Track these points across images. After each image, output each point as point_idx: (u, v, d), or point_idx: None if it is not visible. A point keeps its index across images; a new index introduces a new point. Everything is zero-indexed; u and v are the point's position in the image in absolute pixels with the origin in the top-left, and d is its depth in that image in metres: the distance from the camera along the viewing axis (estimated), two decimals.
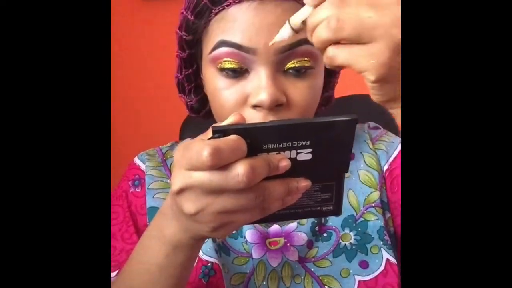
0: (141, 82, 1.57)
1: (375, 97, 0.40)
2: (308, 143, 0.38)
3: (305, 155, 0.39)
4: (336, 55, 0.37)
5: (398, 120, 0.42)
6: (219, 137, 0.37)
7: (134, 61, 1.55)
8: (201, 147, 0.35)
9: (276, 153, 0.39)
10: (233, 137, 0.37)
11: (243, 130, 0.37)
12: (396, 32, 0.35)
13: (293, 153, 0.39)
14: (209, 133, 0.38)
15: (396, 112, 0.41)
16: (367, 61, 0.36)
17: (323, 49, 0.38)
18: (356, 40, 0.36)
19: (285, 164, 0.38)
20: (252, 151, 0.37)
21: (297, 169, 0.39)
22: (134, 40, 1.54)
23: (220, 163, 0.35)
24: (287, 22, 0.42)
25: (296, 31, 0.42)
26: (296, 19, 0.42)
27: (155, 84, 1.52)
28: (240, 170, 0.36)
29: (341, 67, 0.38)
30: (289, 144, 0.38)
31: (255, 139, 0.37)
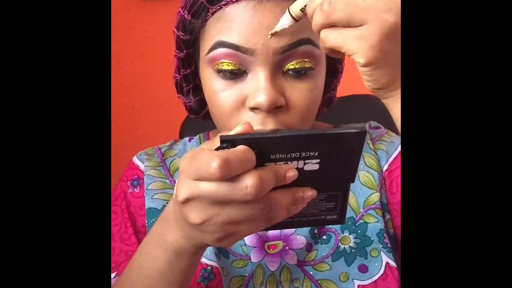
0: (141, 82, 1.56)
1: (366, 84, 0.41)
2: (316, 154, 0.38)
3: (312, 165, 0.39)
4: (327, 37, 0.39)
5: (391, 111, 0.42)
6: (227, 147, 0.36)
7: (134, 61, 1.55)
8: (210, 158, 0.35)
9: (284, 163, 0.38)
10: (242, 148, 0.36)
11: (251, 140, 0.37)
12: (389, 17, 0.36)
13: (301, 163, 0.39)
14: (214, 141, 0.38)
15: (388, 102, 0.42)
16: (357, 43, 0.37)
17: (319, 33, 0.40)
18: (347, 23, 0.37)
19: (292, 174, 0.38)
20: (260, 160, 0.37)
21: (303, 178, 0.39)
22: (134, 40, 1.53)
23: (229, 175, 0.35)
24: (287, 10, 0.42)
25: (296, 19, 0.42)
26: (296, 6, 0.42)
27: (155, 84, 1.52)
28: (248, 182, 0.35)
29: (333, 50, 0.40)
30: (297, 155, 0.38)
31: (264, 149, 0.37)
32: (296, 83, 0.52)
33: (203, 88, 0.57)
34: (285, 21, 0.43)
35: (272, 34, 0.47)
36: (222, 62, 0.51)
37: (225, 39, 0.50)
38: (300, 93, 0.52)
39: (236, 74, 0.51)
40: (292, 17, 0.42)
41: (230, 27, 0.50)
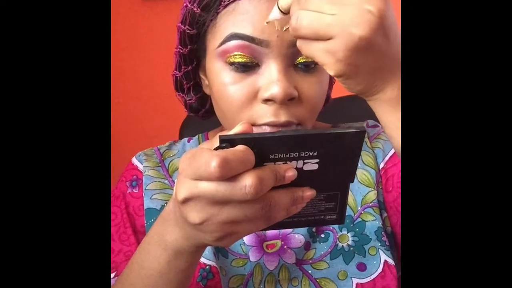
0: (140, 82, 1.57)
1: (346, 89, 0.41)
2: (316, 153, 0.38)
3: (311, 165, 0.39)
4: (301, 47, 0.39)
5: (375, 112, 0.42)
6: (226, 146, 0.36)
7: (134, 61, 1.55)
8: (209, 157, 0.35)
9: (283, 163, 0.38)
10: (241, 147, 0.36)
11: (251, 140, 0.37)
12: (356, 31, 0.35)
13: (300, 163, 0.39)
14: (214, 141, 0.38)
15: (370, 104, 0.42)
16: (325, 56, 0.37)
17: None
18: (314, 38, 0.37)
19: (291, 174, 0.38)
20: (259, 160, 0.37)
21: (302, 178, 0.39)
22: (134, 40, 1.53)
23: (228, 175, 0.35)
24: (276, 3, 0.43)
25: (284, 12, 0.42)
26: (283, 1, 0.42)
27: (155, 84, 1.52)
28: (247, 181, 0.35)
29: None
30: (296, 154, 0.38)
31: (263, 149, 0.37)
32: (306, 76, 0.53)
33: (211, 83, 0.56)
34: (274, 14, 0.43)
35: (267, 23, 0.47)
36: (235, 55, 0.51)
37: (239, 31, 0.50)
38: (311, 86, 0.53)
39: (249, 67, 0.52)
40: (281, 11, 0.43)
41: (244, 19, 0.50)
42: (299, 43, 0.39)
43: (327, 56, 0.37)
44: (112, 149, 0.52)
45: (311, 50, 0.38)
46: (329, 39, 0.36)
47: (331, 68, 0.38)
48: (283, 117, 0.51)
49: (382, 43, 0.37)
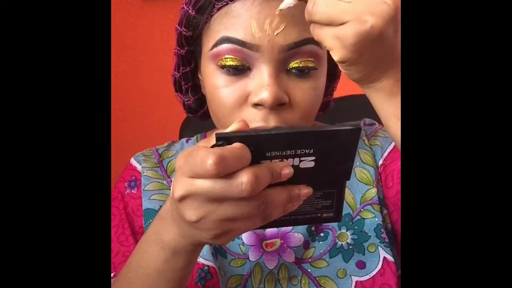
0: (141, 82, 1.57)
1: (344, 74, 0.43)
2: (312, 151, 0.38)
3: (308, 162, 0.39)
4: (313, 30, 0.41)
5: (370, 100, 0.44)
6: (222, 144, 0.37)
7: (134, 61, 1.55)
8: (205, 155, 0.35)
9: (279, 161, 0.39)
10: (237, 145, 0.36)
11: (247, 137, 0.37)
12: (368, 19, 0.37)
13: (296, 161, 0.39)
14: (210, 140, 0.38)
15: (366, 91, 0.44)
16: (333, 41, 0.39)
17: None
18: (328, 23, 0.39)
19: (287, 172, 0.38)
20: (255, 158, 0.37)
21: (299, 176, 0.39)
22: (134, 40, 1.54)
23: (224, 172, 0.35)
24: None
25: None
26: None
27: (155, 84, 1.53)
28: (244, 179, 0.35)
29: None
30: (292, 152, 0.38)
31: (259, 146, 0.37)
32: (299, 82, 0.52)
33: (205, 85, 0.56)
34: (288, 0, 0.44)
35: (279, 11, 0.47)
36: (226, 58, 0.51)
37: (230, 34, 0.50)
38: (303, 92, 0.52)
39: (240, 70, 0.51)
40: None
41: (236, 23, 0.50)
42: (311, 27, 0.41)
43: (335, 41, 0.39)
44: (112, 150, 0.52)
45: (321, 34, 0.40)
46: (341, 24, 0.38)
47: (336, 53, 0.39)
48: (272, 122, 0.51)
49: (391, 35, 0.38)
